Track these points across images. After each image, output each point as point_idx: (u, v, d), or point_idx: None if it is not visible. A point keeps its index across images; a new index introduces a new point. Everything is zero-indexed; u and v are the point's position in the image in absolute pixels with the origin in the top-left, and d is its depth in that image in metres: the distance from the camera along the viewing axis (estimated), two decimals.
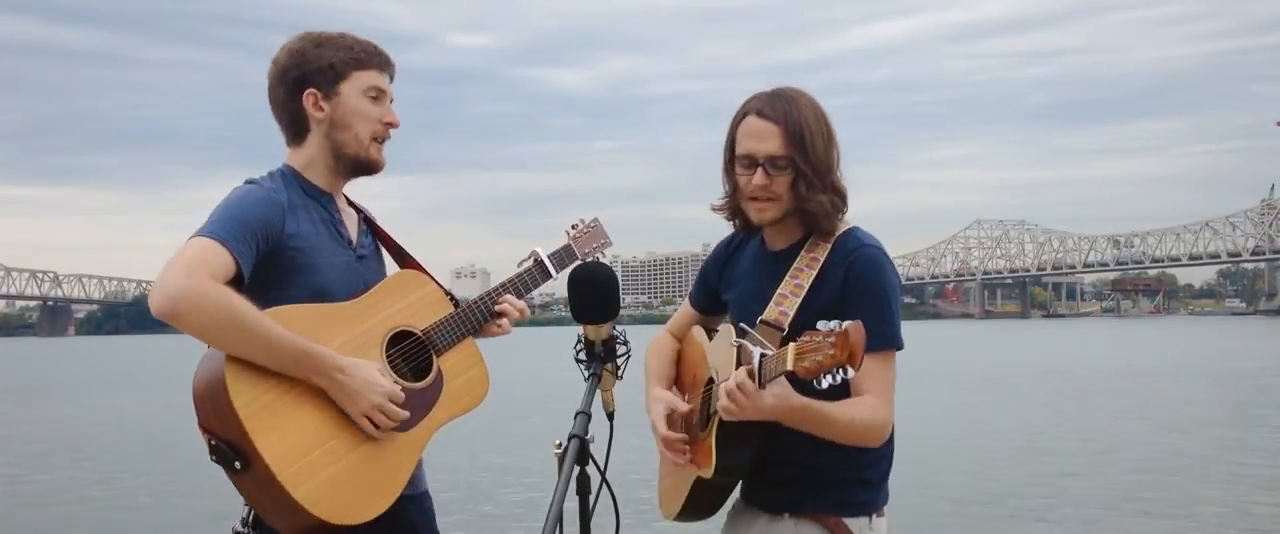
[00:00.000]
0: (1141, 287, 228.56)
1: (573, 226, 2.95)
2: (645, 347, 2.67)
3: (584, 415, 2.29)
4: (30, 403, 27.76)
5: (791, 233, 2.47)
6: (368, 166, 2.59)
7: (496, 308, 2.72)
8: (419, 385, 2.49)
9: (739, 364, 2.19)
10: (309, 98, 2.52)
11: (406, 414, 2.41)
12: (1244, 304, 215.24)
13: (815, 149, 2.36)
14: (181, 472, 12.71)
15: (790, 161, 2.35)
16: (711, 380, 2.41)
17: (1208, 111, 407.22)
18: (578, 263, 2.79)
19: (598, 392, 2.43)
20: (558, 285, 2.83)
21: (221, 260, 2.28)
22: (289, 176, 2.55)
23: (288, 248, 2.43)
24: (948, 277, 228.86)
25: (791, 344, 2.00)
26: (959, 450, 13.93)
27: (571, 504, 2.18)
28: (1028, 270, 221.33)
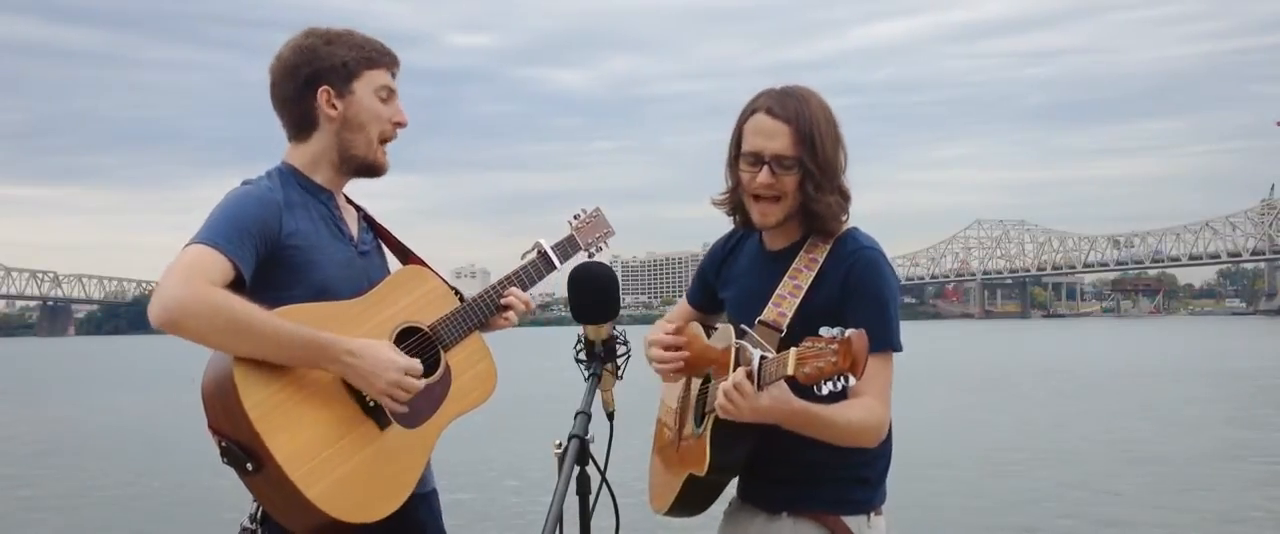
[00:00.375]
0: (1141, 287, 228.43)
1: (575, 217, 2.94)
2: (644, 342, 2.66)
3: (584, 415, 2.29)
4: (30, 403, 27.75)
5: (790, 233, 2.46)
6: (373, 169, 2.58)
7: (502, 301, 2.72)
8: (428, 381, 2.48)
9: (738, 365, 2.18)
10: (323, 95, 2.49)
11: (422, 384, 2.40)
12: (1244, 304, 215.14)
13: (824, 150, 2.35)
14: (185, 471, 12.70)
15: (798, 162, 2.34)
16: (707, 378, 2.40)
17: (1208, 111, 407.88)
18: (579, 261, 2.79)
19: (598, 392, 2.42)
20: (558, 285, 2.82)
21: (218, 265, 2.27)
22: (287, 174, 2.53)
23: (287, 247, 2.42)
24: (948, 277, 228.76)
25: (793, 349, 1.99)
26: (958, 450, 13.92)
27: (571, 504, 2.18)
28: (1028, 270, 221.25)
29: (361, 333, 2.41)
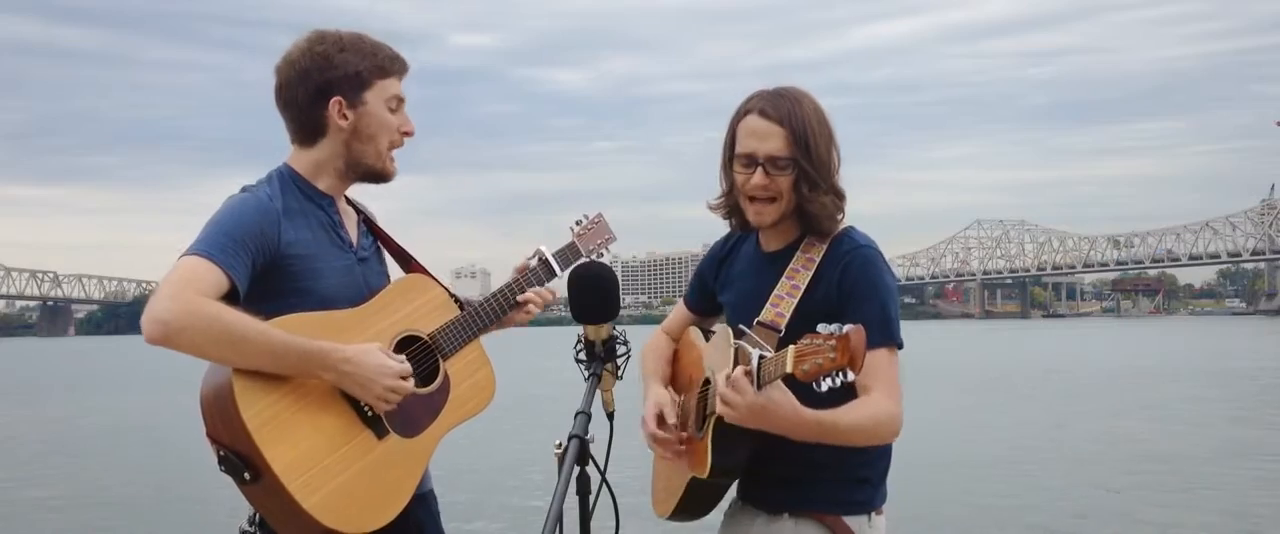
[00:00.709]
0: (1141, 286, 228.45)
1: (577, 223, 2.93)
2: (641, 348, 2.66)
3: (584, 415, 2.29)
4: (30, 403, 27.75)
5: (787, 233, 2.46)
6: (381, 177, 2.56)
7: (520, 297, 2.73)
8: (426, 391, 2.48)
9: (736, 365, 2.18)
10: (335, 105, 2.46)
11: (412, 387, 2.40)
12: (1244, 304, 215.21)
13: (818, 150, 2.35)
14: (185, 471, 12.71)
15: (792, 162, 2.34)
16: (707, 381, 2.40)
17: (1208, 111, 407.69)
18: (579, 262, 2.79)
19: (598, 392, 2.42)
20: (558, 285, 2.83)
21: (210, 277, 2.25)
22: (288, 179, 2.51)
23: (286, 257, 2.41)
24: (948, 276, 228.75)
25: (791, 346, 1.99)
26: (959, 450, 13.91)
27: (571, 504, 2.18)
28: (1028, 270, 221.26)
29: (360, 342, 2.40)
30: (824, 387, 1.94)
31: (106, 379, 38.82)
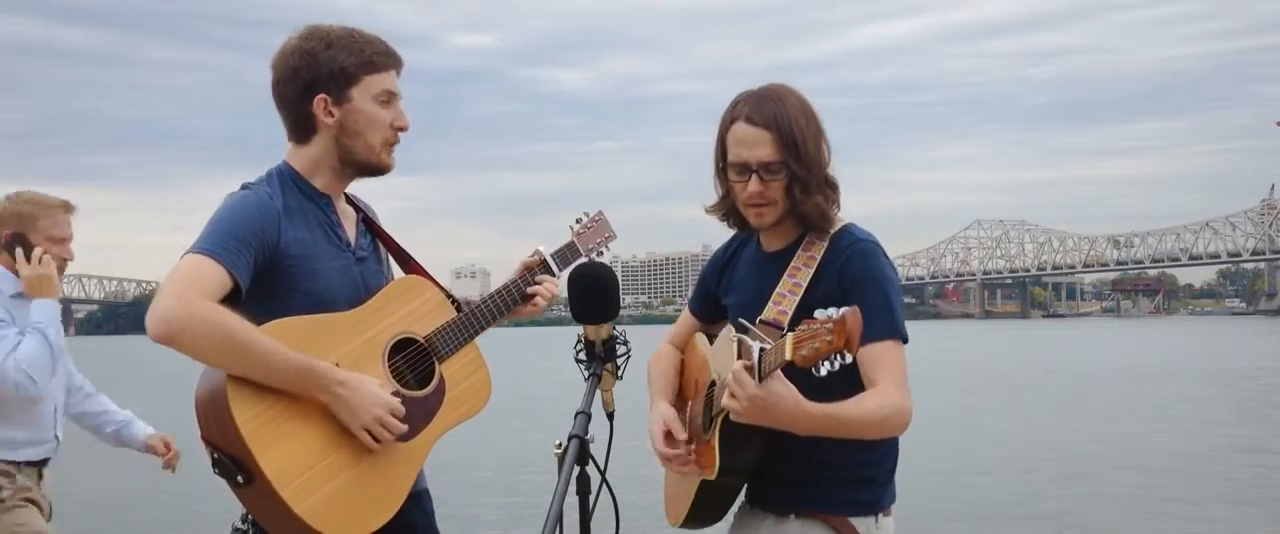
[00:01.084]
0: (1141, 286, 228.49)
1: (577, 221, 2.92)
2: (647, 359, 2.65)
3: (584, 415, 2.29)
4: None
5: (787, 233, 2.46)
6: (376, 170, 2.55)
7: (529, 290, 2.73)
8: (421, 394, 2.47)
9: (739, 359, 2.18)
10: (319, 103, 2.45)
11: (405, 427, 2.39)
12: (1244, 304, 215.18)
13: (807, 150, 2.35)
14: (183, 471, 12.68)
15: (784, 165, 2.34)
16: (713, 383, 2.40)
17: (1208, 111, 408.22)
18: (579, 262, 2.79)
19: (598, 392, 2.42)
20: (558, 285, 2.82)
21: (215, 277, 2.26)
22: (287, 177, 2.50)
23: (285, 256, 2.40)
24: (948, 277, 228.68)
25: (789, 334, 1.99)
26: (962, 451, 13.90)
27: (571, 504, 2.18)
28: (1028, 270, 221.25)
29: (357, 344, 2.41)
30: (822, 371, 1.94)
31: (106, 379, 38.75)
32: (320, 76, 2.44)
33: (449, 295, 2.67)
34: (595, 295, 2.46)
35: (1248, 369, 31.04)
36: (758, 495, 2.50)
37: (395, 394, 2.41)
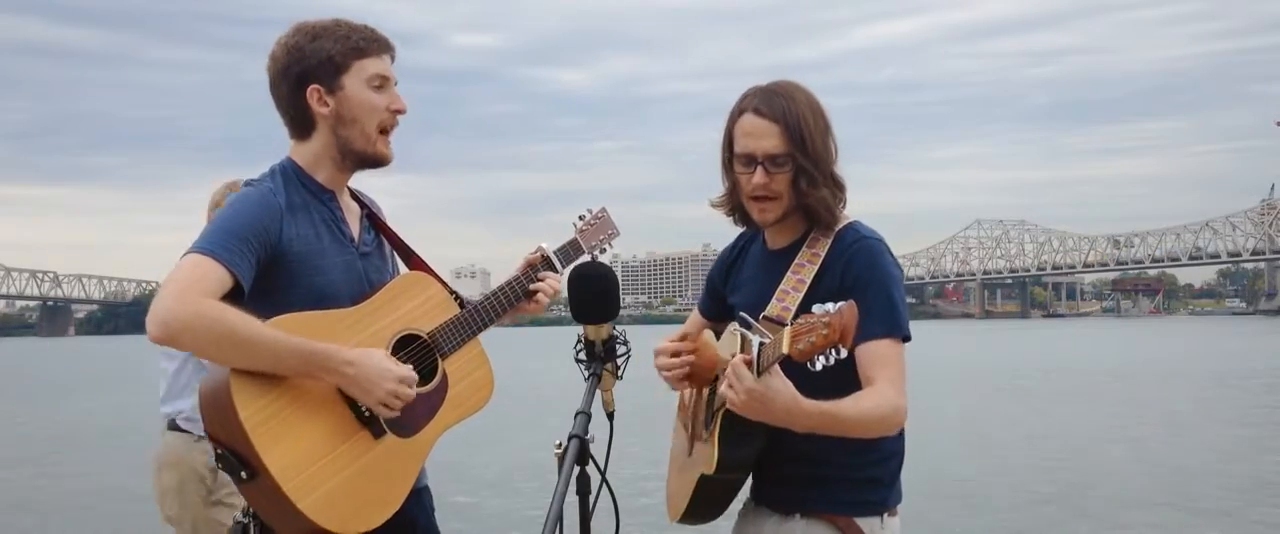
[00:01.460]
0: (1141, 286, 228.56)
1: (580, 218, 2.93)
2: (651, 352, 2.65)
3: (584, 415, 2.29)
4: (30, 403, 27.73)
5: (792, 230, 2.47)
6: (375, 161, 2.55)
7: (532, 286, 2.73)
8: (424, 390, 2.47)
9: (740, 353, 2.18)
10: (313, 94, 2.46)
11: (417, 392, 2.40)
12: (1244, 304, 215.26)
13: (814, 144, 2.36)
14: None
15: (790, 158, 2.35)
16: (715, 379, 2.40)
17: (1208, 111, 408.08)
18: (579, 261, 2.79)
19: (598, 392, 2.42)
20: (561, 281, 2.82)
21: (215, 275, 2.26)
22: (290, 173, 2.51)
23: (288, 252, 2.41)
24: (948, 277, 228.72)
25: (786, 328, 2.00)
26: (966, 451, 13.91)
27: (571, 504, 2.17)
28: (1028, 270, 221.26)
29: (359, 340, 2.41)
30: (818, 365, 1.95)
31: (106, 379, 38.80)
32: (310, 67, 2.45)
33: (452, 292, 2.68)
34: (595, 295, 2.46)
35: (1248, 369, 31.04)
36: (762, 494, 2.50)
37: None
